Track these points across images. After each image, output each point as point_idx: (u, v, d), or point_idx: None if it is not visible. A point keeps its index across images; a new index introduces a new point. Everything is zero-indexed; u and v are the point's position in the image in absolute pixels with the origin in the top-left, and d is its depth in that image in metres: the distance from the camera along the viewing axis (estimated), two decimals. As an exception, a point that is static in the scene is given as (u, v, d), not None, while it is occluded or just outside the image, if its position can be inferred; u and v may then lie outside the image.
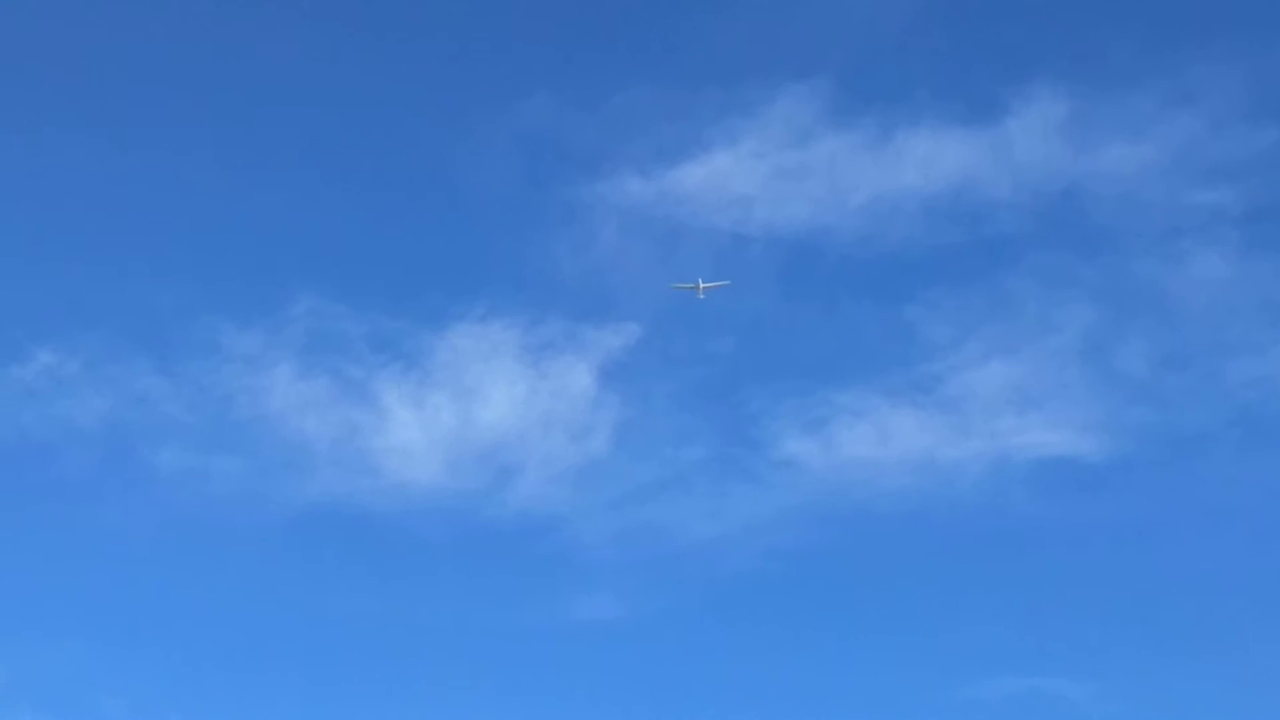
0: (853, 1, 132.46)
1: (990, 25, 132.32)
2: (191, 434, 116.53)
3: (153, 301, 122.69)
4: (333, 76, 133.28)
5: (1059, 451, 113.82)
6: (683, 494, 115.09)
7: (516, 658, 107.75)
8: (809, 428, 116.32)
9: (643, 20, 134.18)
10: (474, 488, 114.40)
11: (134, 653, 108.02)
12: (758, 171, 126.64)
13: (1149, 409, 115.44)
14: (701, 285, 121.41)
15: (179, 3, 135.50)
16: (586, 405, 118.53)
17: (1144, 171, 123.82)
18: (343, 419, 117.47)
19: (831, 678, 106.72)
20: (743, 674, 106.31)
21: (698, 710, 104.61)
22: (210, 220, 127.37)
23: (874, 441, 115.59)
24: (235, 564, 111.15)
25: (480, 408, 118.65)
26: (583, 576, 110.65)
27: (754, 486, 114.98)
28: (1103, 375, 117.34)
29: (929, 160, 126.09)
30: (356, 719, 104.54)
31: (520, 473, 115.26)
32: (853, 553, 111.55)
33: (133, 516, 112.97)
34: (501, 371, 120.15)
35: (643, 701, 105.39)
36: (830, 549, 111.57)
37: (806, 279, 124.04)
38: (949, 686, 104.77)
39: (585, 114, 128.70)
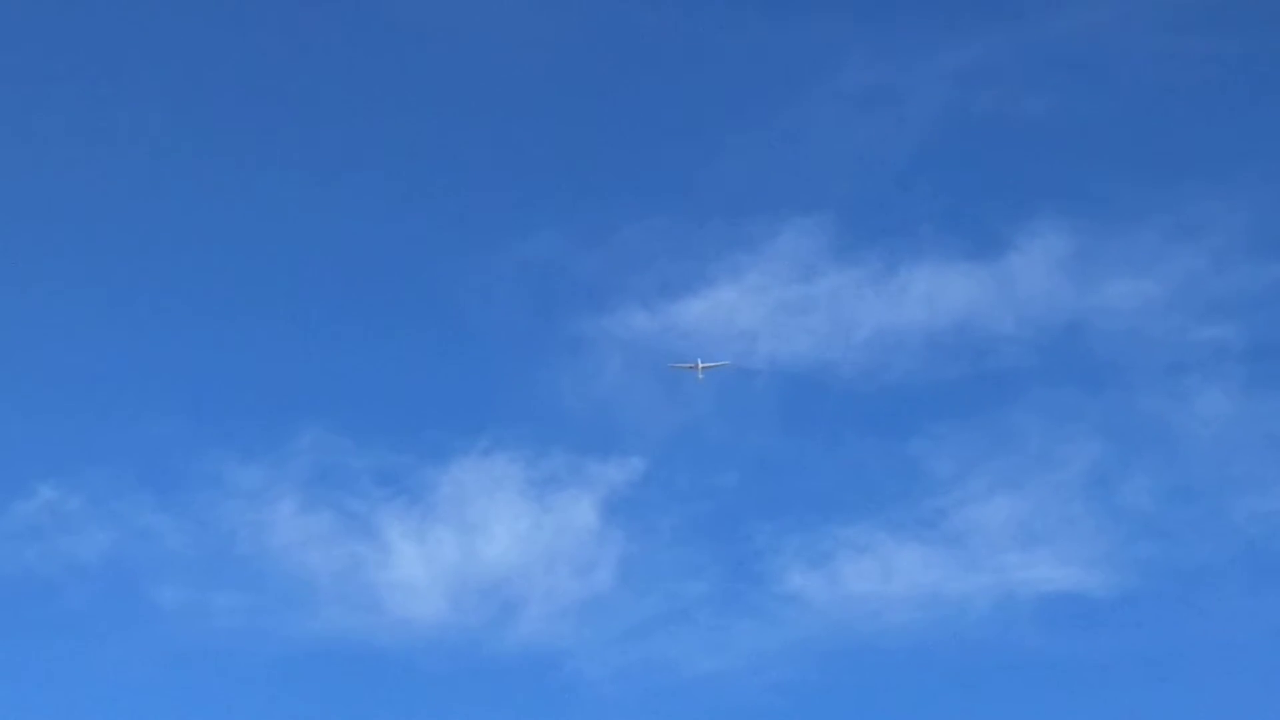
0: (856, 137, 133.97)
1: (993, 161, 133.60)
2: (194, 569, 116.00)
3: (155, 436, 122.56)
4: (337, 207, 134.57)
5: (1065, 586, 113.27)
6: (686, 628, 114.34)
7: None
8: (813, 562, 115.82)
9: (647, 155, 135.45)
10: (477, 622, 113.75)
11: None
12: (761, 306, 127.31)
13: (1155, 544, 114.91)
14: (700, 365, 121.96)
15: (186, 136, 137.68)
16: (590, 539, 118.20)
17: (1147, 307, 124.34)
18: (346, 554, 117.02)
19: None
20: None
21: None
22: (213, 354, 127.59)
23: (879, 576, 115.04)
24: (238, 699, 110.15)
25: (483, 542, 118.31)
26: (586, 711, 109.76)
27: (758, 621, 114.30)
28: (1108, 510, 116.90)
29: (933, 295, 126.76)
30: None
31: (523, 607, 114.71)
32: (858, 688, 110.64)
33: (135, 652, 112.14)
34: (505, 506, 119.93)
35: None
36: (835, 684, 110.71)
37: (810, 413, 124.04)
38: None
39: (590, 248, 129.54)
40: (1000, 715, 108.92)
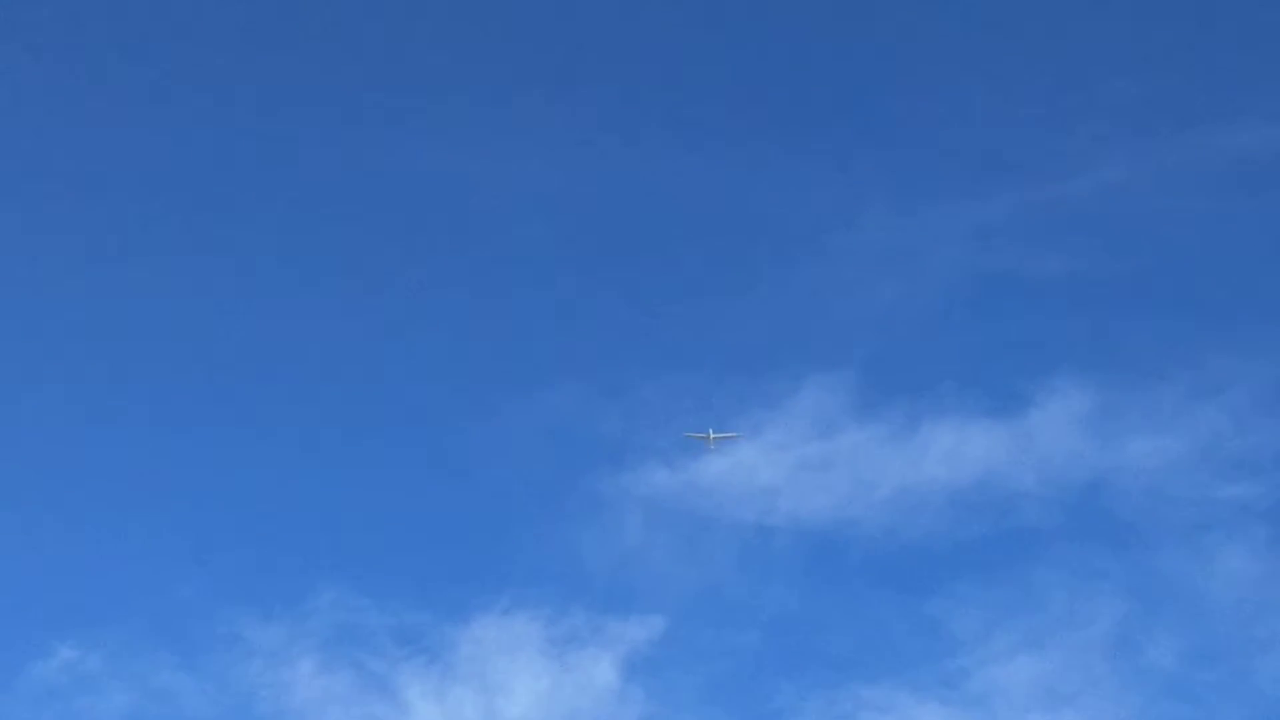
0: (877, 294, 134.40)
1: (1014, 318, 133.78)
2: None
3: (174, 595, 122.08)
4: (356, 361, 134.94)
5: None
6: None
7: None
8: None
9: (668, 311, 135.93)
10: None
11: None
12: (783, 464, 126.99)
13: (1179, 704, 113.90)
14: (713, 435, 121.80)
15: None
16: (611, 699, 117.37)
17: (1170, 465, 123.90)
18: (365, 713, 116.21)
19: None
20: None
21: None
22: (232, 513, 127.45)
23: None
24: None
25: (503, 701, 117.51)
26: None
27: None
28: (1132, 670, 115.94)
29: (954, 452, 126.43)
30: None
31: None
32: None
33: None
34: (525, 664, 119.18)
35: None
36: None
37: (831, 571, 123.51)
38: None
39: (610, 404, 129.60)
40: None
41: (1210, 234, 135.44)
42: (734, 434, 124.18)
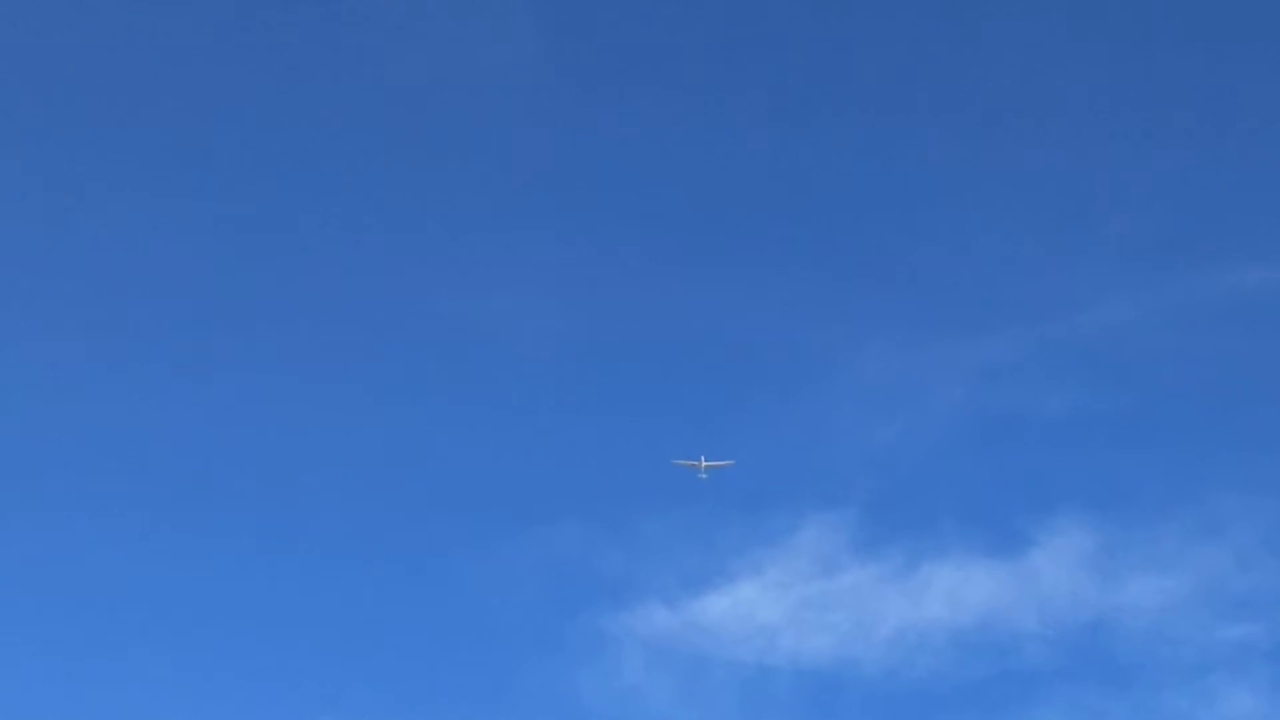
0: (878, 431, 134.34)
1: (1015, 457, 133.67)
2: None
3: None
4: (356, 493, 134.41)
5: None
6: None
7: None
8: None
9: (669, 447, 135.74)
10: None
11: None
12: (783, 603, 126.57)
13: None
14: (704, 463, 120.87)
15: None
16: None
17: (1171, 605, 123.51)
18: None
19: None
20: None
21: None
22: (231, 642, 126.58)
23: None
24: None
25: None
26: None
27: None
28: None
29: (955, 592, 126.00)
30: None
31: None
32: None
33: None
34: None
35: None
36: None
37: (832, 711, 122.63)
38: None
39: (611, 542, 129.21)
40: None
41: (1212, 372, 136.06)
42: (727, 462, 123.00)
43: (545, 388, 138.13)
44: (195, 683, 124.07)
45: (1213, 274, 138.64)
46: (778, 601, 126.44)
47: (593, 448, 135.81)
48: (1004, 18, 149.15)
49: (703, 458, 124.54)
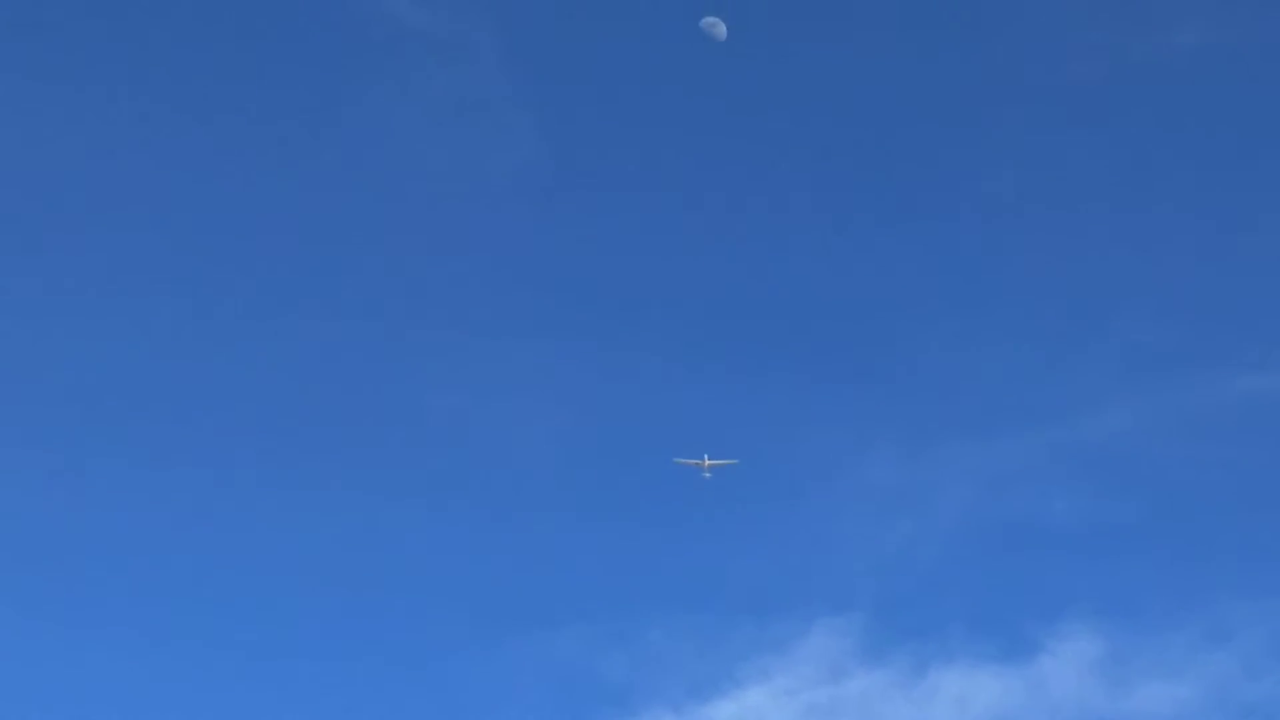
0: (885, 536, 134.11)
1: (1023, 562, 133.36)
2: None
3: None
4: (356, 595, 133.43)
5: None
6: None
7: None
8: None
9: (674, 553, 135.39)
10: None
11: None
12: (790, 709, 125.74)
13: None
14: (707, 462, 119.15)
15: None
16: None
17: (1180, 711, 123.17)
18: None
19: None
20: None
21: None
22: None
23: None
24: None
25: None
26: None
27: None
28: None
29: (963, 698, 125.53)
30: None
31: None
32: None
33: None
34: None
35: None
36: None
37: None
38: None
39: (617, 647, 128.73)
40: None
41: (1219, 478, 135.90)
42: (731, 460, 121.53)
43: (549, 491, 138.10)
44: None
45: (1219, 380, 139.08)
46: (785, 708, 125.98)
47: (597, 552, 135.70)
48: (1008, 122, 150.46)
49: (706, 456, 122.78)
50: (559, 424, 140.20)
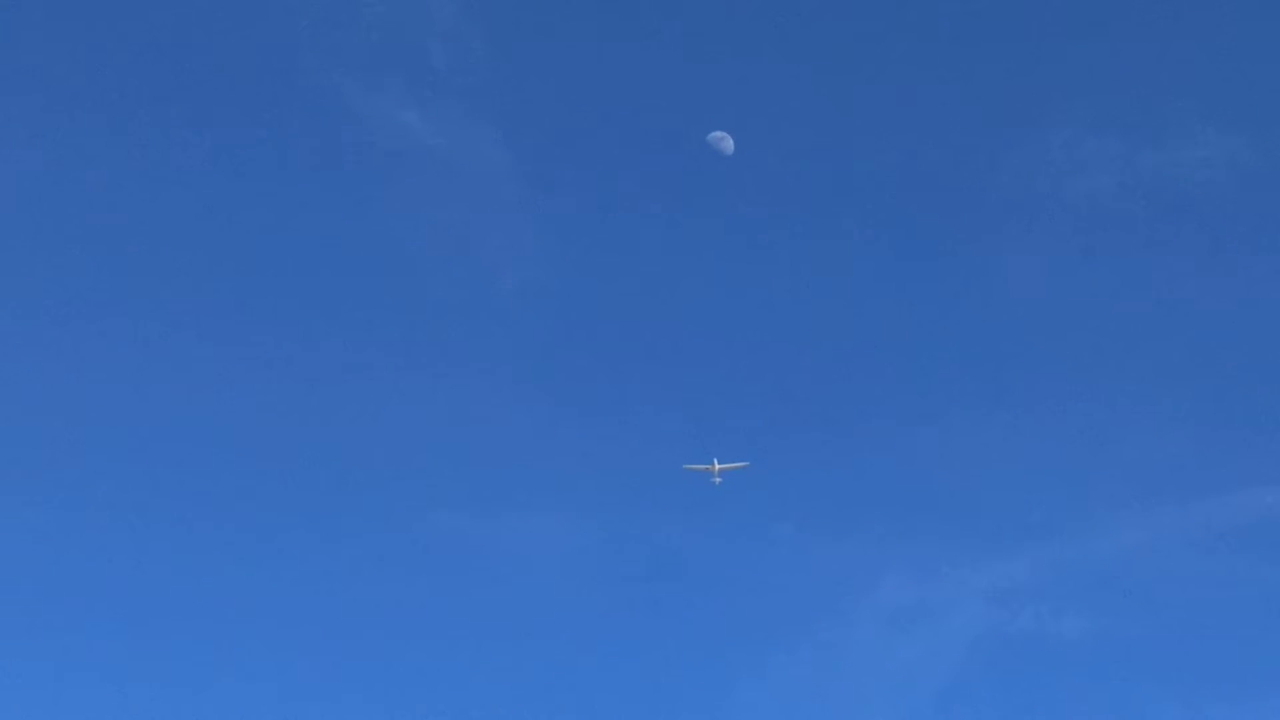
0: (894, 657, 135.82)
1: (1032, 679, 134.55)
2: None
3: None
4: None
5: None
6: None
7: None
8: None
9: (685, 674, 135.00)
10: None
11: None
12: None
13: None
14: (718, 466, 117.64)
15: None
16: None
17: None
18: None
19: None
20: None
21: None
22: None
23: None
24: None
25: None
26: None
27: None
28: None
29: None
30: None
31: None
32: None
33: None
34: None
35: None
36: None
37: None
38: None
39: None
40: None
41: (1225, 596, 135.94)
42: (742, 464, 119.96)
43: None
44: None
45: (1226, 498, 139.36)
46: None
47: (605, 688, 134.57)
48: (1018, 236, 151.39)
49: (716, 461, 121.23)
50: (574, 542, 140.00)
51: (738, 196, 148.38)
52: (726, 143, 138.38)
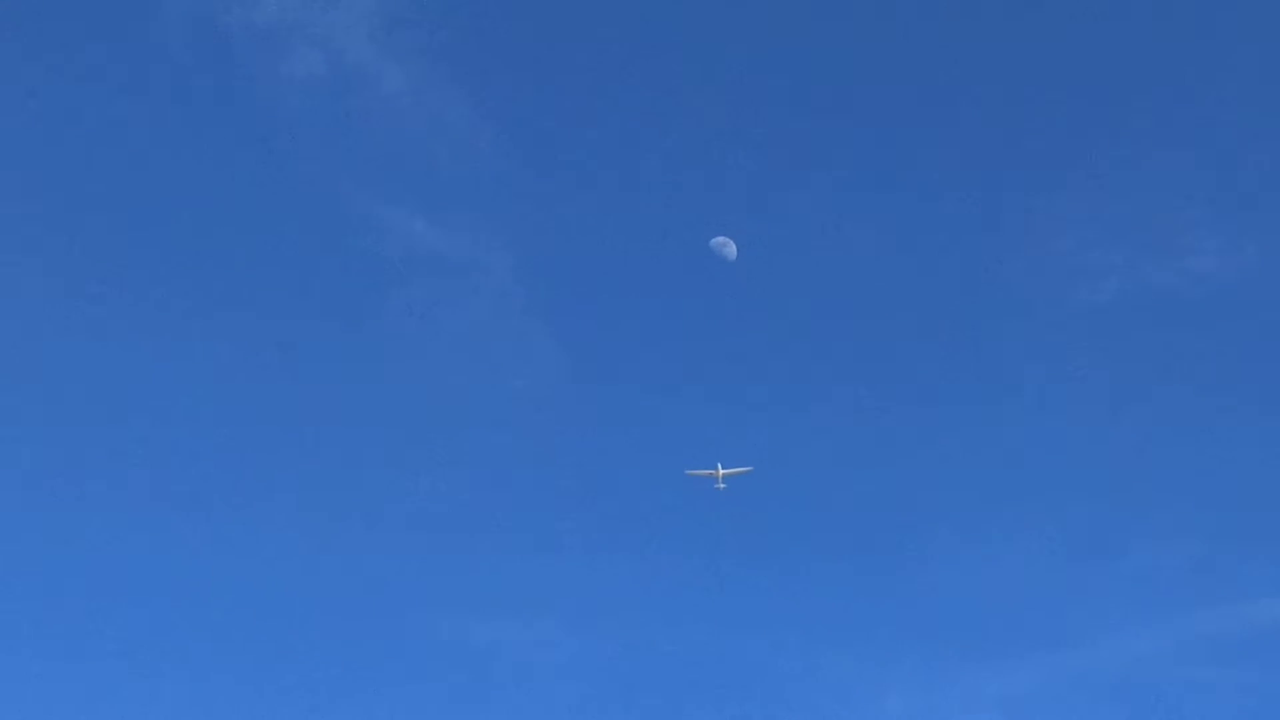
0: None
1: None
2: None
3: None
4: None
5: None
6: None
7: None
8: None
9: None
10: None
11: None
12: None
13: None
14: (721, 471, 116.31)
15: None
16: None
17: None
18: None
19: None
20: None
21: None
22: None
23: None
24: None
25: None
26: None
27: None
28: None
29: None
30: None
31: None
32: None
33: None
34: None
35: None
36: None
37: None
38: None
39: None
40: None
41: (1234, 705, 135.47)
42: (745, 469, 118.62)
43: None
44: None
45: (1234, 606, 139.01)
46: None
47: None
48: (1024, 342, 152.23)
49: (719, 465, 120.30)
50: (577, 646, 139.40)
51: (740, 302, 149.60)
52: (729, 248, 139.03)
